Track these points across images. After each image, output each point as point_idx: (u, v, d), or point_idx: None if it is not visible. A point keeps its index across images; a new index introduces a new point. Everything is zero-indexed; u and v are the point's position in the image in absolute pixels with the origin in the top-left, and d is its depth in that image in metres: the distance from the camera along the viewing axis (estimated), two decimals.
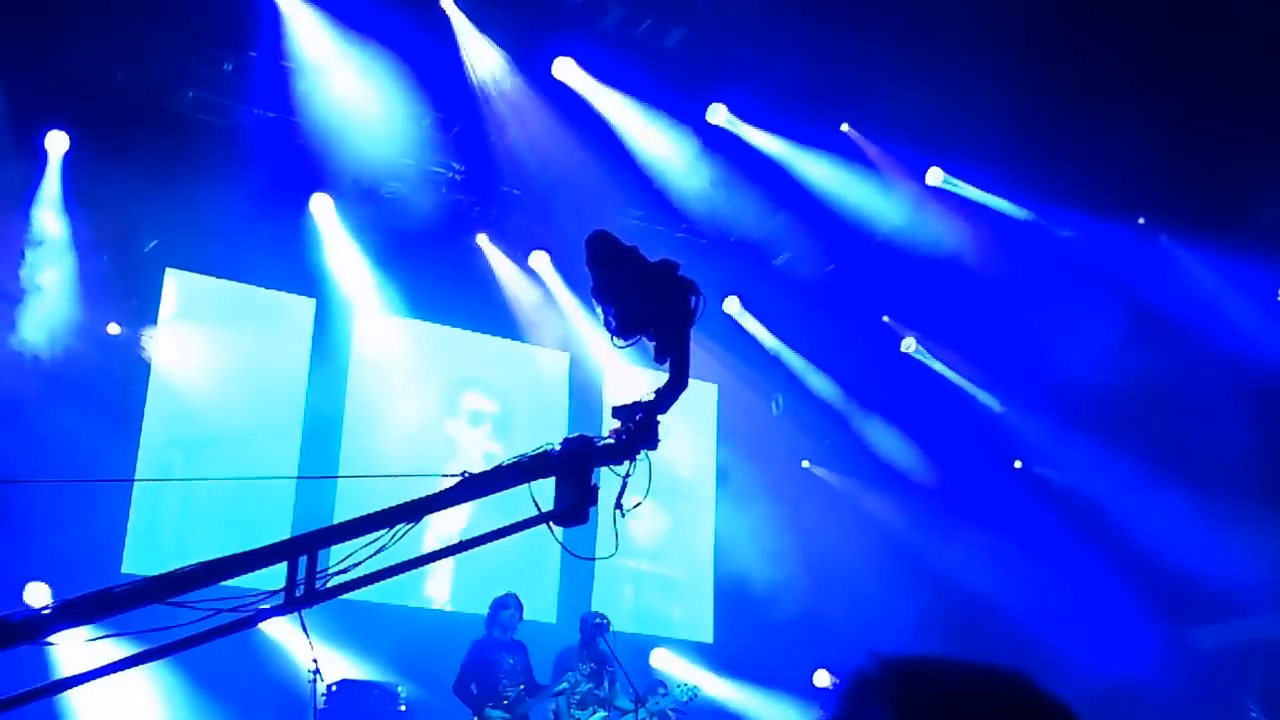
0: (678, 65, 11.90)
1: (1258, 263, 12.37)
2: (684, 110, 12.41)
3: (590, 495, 3.32)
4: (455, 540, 3.52)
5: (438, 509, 3.26)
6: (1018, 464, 14.89)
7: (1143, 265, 12.94)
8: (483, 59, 11.85)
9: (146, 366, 12.02)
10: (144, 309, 12.14)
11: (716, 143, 12.69)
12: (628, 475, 3.37)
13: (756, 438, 15.01)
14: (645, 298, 3.42)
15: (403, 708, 10.56)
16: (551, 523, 3.32)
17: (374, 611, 12.22)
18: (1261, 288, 12.77)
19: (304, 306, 12.88)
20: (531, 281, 13.85)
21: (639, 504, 3.39)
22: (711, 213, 13.15)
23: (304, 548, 2.92)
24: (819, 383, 15.02)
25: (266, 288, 12.65)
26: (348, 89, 11.54)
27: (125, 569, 11.21)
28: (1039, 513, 13.85)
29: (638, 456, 3.36)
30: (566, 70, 12.05)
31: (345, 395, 12.97)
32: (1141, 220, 13.17)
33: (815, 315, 14.33)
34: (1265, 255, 12.25)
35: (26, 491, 9.79)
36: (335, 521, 3.34)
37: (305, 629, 8.10)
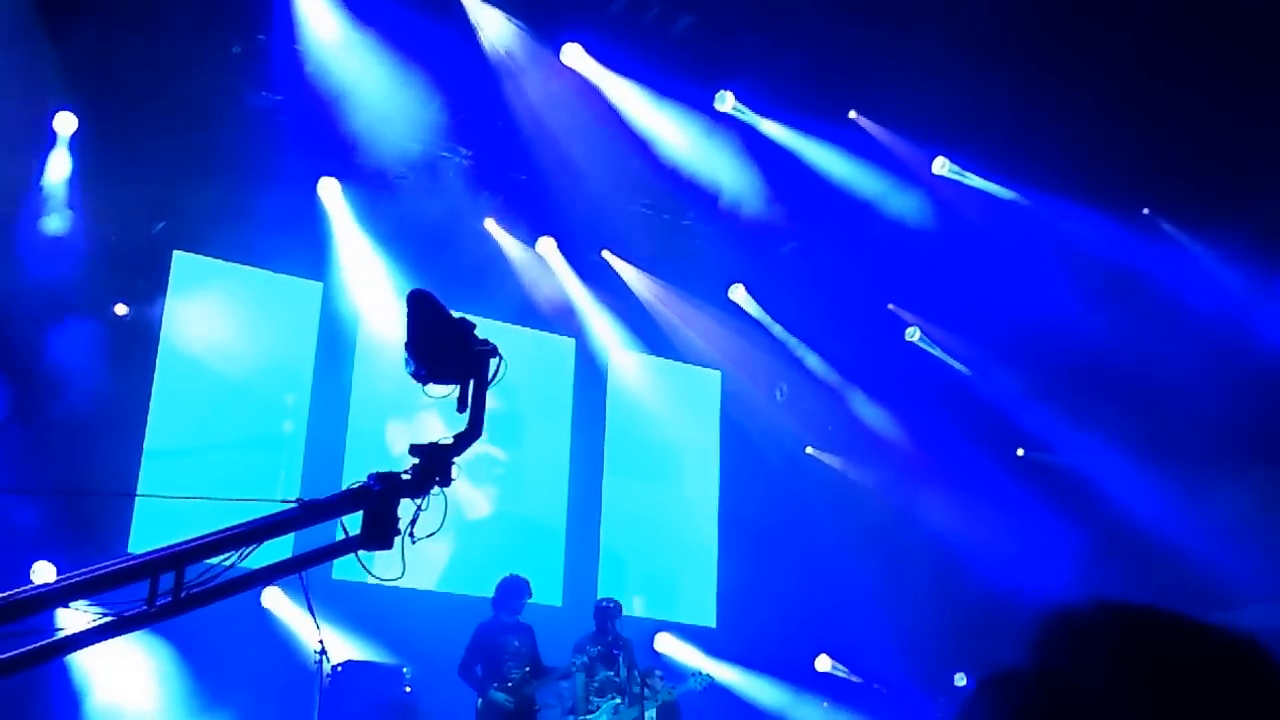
0: (685, 52, 11.92)
1: (1263, 253, 12.40)
2: (691, 97, 12.44)
3: (393, 525, 3.73)
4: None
5: (275, 535, 3.64)
6: (1020, 452, 14.94)
7: (1147, 254, 12.98)
8: (491, 45, 11.88)
9: (154, 347, 12.07)
10: (151, 290, 12.19)
11: (724, 130, 12.72)
12: (420, 508, 3.80)
13: (760, 424, 15.09)
14: (450, 354, 3.89)
15: (408, 689, 10.65)
16: (359, 550, 3.74)
17: (379, 594, 12.29)
18: (1266, 277, 12.80)
19: (311, 290, 12.93)
20: (538, 267, 13.90)
21: (431, 535, 3.82)
22: (718, 200, 13.18)
23: (168, 565, 3.30)
24: (823, 370, 15.08)
25: (274, 271, 12.69)
26: (356, 73, 11.57)
27: (131, 548, 11.29)
28: (1043, 500, 13.91)
29: (431, 492, 3.79)
30: (575, 57, 12.09)
31: (352, 378, 13.03)
32: (1146, 211, 13.22)
33: (820, 303, 14.37)
34: (1268, 246, 12.29)
35: (34, 470, 9.87)
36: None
37: (312, 610, 8.22)
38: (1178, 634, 1.20)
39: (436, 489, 3.77)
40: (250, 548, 3.57)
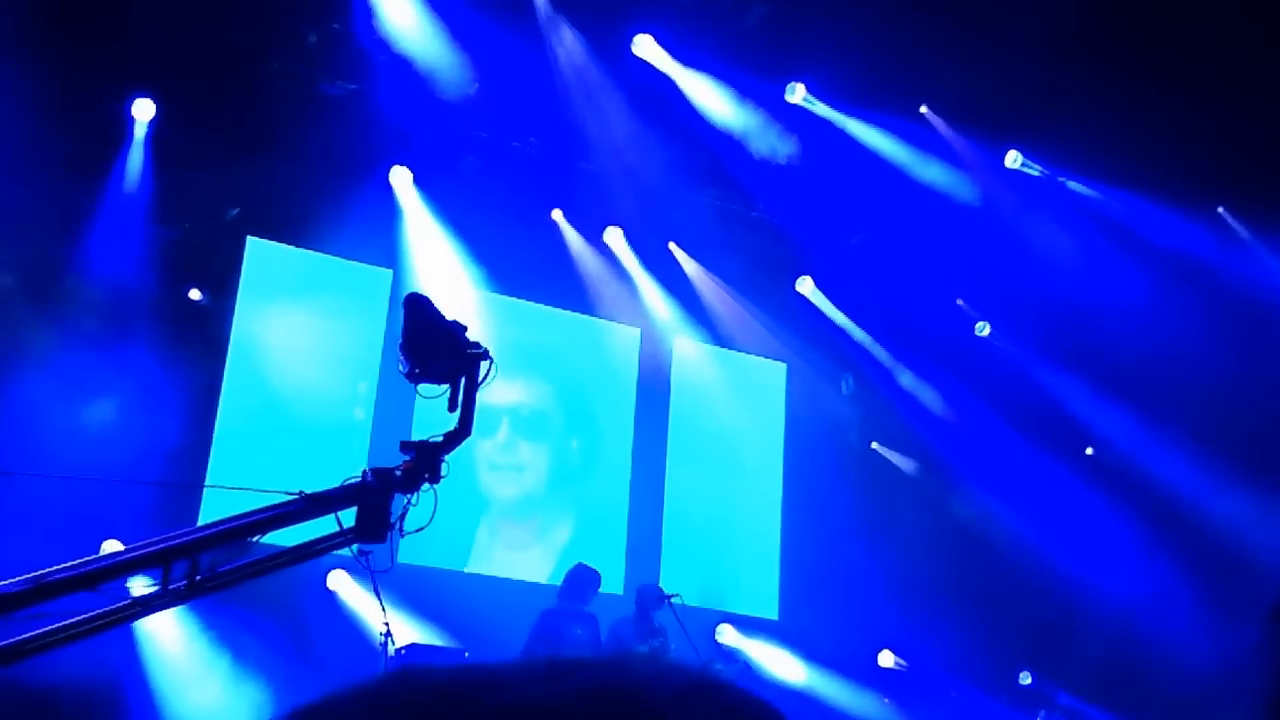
0: (757, 44, 11.90)
1: None
2: (762, 89, 12.41)
3: (386, 519, 3.83)
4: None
5: (280, 527, 3.75)
6: (1089, 451, 14.76)
7: (1222, 252, 12.79)
8: (562, 34, 11.91)
9: (227, 332, 12.23)
10: (225, 276, 12.35)
11: (794, 122, 12.67)
12: (410, 503, 3.92)
13: (825, 417, 15.04)
14: (442, 356, 4.02)
15: None
16: (354, 543, 3.86)
17: (443, 579, 12.41)
18: None
19: (382, 277, 13.04)
20: (605, 257, 13.94)
21: (421, 529, 3.96)
22: (787, 192, 13.14)
23: (182, 552, 3.43)
24: (890, 364, 15.00)
25: (345, 258, 12.81)
26: (428, 62, 11.66)
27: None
28: (1112, 500, 13.75)
29: (422, 488, 3.90)
30: (646, 47, 12.10)
31: None
32: (1221, 209, 13.02)
33: (888, 296, 14.30)
34: None
35: (106, 453, 10.03)
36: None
37: (378, 594, 8.30)
38: None
39: (426, 485, 3.89)
40: (258, 537, 3.67)
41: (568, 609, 10.52)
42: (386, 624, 9.01)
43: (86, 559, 3.24)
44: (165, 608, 3.48)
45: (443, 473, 3.87)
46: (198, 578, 3.53)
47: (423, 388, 4.08)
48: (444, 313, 4.14)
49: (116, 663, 10.21)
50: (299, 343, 12.44)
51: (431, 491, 3.88)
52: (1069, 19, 10.68)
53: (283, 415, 12.25)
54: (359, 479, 3.84)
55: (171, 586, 3.49)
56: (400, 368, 4.05)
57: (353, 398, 12.83)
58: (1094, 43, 10.98)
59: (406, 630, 10.92)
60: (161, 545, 3.44)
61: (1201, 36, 10.76)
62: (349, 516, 3.90)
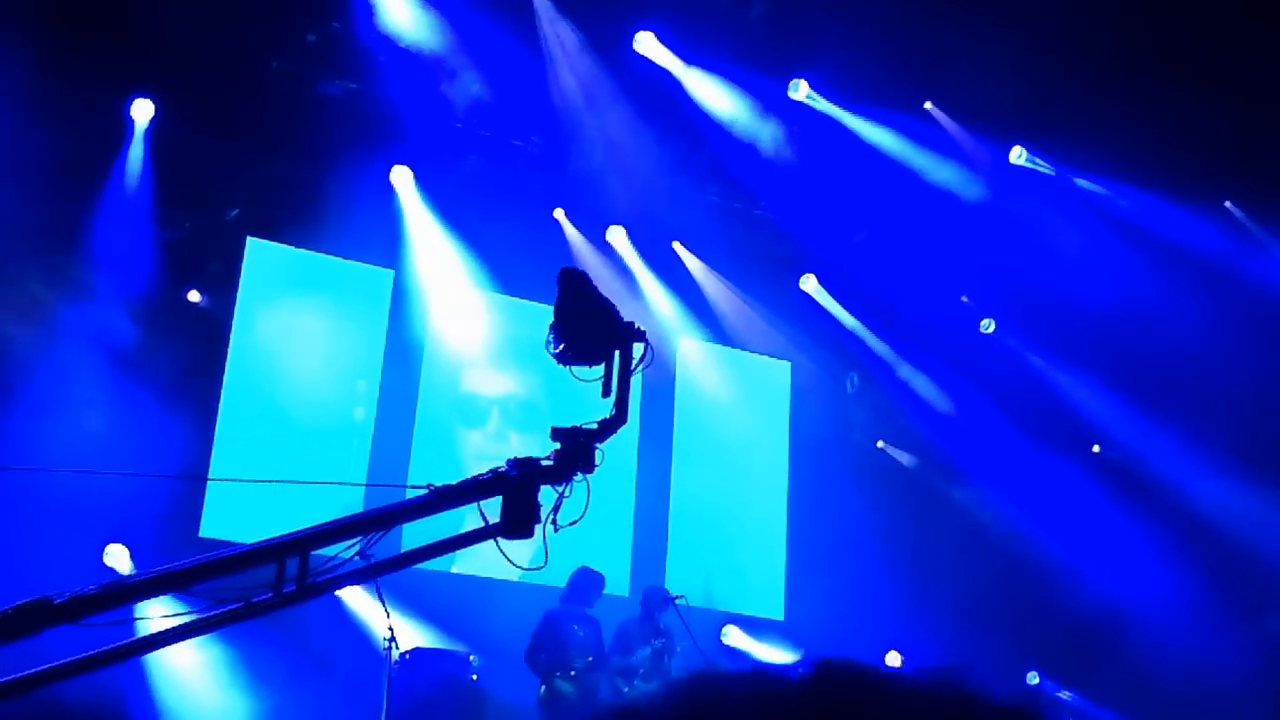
0: (759, 40, 11.82)
1: None
2: (765, 86, 12.33)
3: (534, 512, 3.54)
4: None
5: (409, 519, 3.54)
6: (1095, 448, 14.68)
7: (1229, 248, 12.73)
8: (562, 31, 11.84)
9: (227, 333, 12.16)
10: (224, 276, 12.28)
11: (797, 119, 12.59)
12: (564, 495, 3.62)
13: (830, 416, 14.95)
14: (595, 336, 3.77)
15: (474, 677, 10.66)
16: (499, 536, 3.57)
17: (447, 582, 12.33)
18: None
19: (383, 278, 12.97)
20: (607, 256, 13.86)
21: (575, 523, 3.64)
22: (790, 190, 13.05)
23: (294, 549, 3.19)
24: (895, 362, 14.90)
25: (346, 258, 12.74)
26: (428, 61, 11.58)
27: (203, 533, 11.39)
28: (1118, 499, 13.67)
29: (574, 478, 3.62)
30: (647, 44, 12.02)
31: (421, 366, 13.07)
32: (1228, 204, 12.94)
33: (893, 294, 14.20)
34: None
35: (107, 456, 9.96)
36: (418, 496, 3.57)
37: (382, 599, 8.24)
38: None
39: (579, 475, 3.64)
40: (378, 534, 3.40)
41: (571, 610, 10.47)
42: (391, 628, 8.94)
43: (192, 559, 3.06)
44: (276, 609, 3.27)
45: (597, 461, 3.62)
46: (309, 581, 3.30)
47: (577, 370, 3.76)
48: (599, 291, 3.85)
49: (120, 668, 10.13)
50: (299, 343, 12.37)
51: (585, 482, 3.63)
52: (1074, 14, 10.61)
53: (283, 415, 12.18)
54: (496, 470, 3.50)
55: (286, 589, 3.27)
56: (549, 348, 3.71)
57: (353, 397, 12.77)
58: (1098, 38, 10.91)
59: (410, 634, 10.85)
60: (274, 543, 3.23)
61: (1206, 31, 10.70)
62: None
